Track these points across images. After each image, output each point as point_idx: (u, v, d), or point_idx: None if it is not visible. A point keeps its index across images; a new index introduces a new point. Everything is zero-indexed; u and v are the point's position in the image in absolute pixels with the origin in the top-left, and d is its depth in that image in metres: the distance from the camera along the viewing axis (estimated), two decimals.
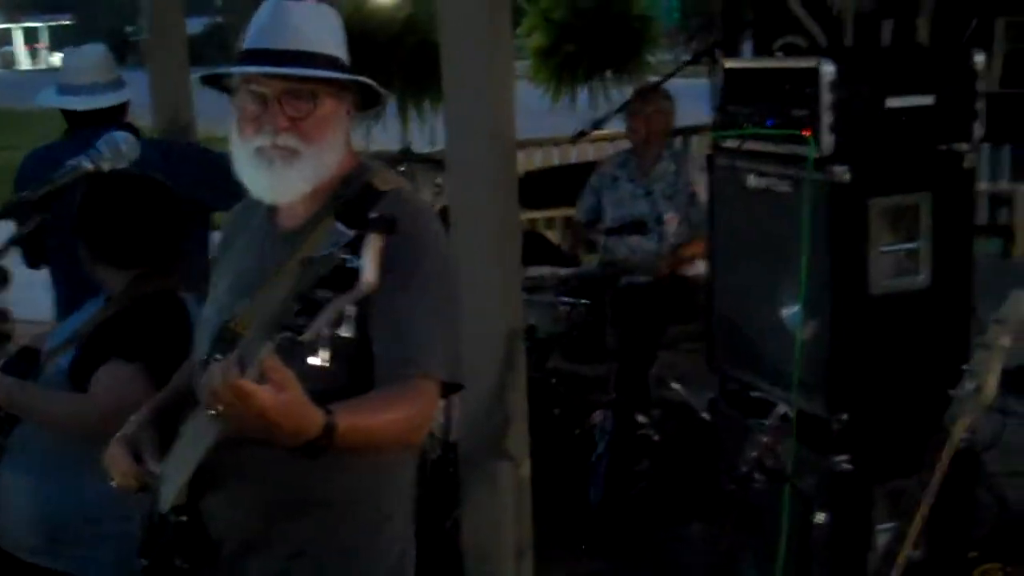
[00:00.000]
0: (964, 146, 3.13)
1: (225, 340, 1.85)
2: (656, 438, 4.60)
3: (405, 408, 1.84)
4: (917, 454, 2.31)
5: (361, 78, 2.01)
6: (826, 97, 2.95)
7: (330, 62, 1.96)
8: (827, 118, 2.96)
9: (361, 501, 1.99)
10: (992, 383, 2.15)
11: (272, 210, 2.07)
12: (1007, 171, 8.34)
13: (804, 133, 3.01)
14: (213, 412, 1.61)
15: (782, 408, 2.68)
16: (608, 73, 7.73)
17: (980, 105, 3.10)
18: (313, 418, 1.66)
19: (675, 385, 5.18)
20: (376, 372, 1.88)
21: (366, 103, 2.09)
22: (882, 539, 3.20)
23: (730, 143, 3.37)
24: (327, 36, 1.99)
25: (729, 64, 3.43)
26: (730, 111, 3.37)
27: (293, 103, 1.93)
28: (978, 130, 3.12)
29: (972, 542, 4.02)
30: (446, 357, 1.92)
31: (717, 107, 3.45)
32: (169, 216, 2.71)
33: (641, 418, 4.60)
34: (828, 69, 2.95)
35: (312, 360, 1.57)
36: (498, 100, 3.38)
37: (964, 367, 2.20)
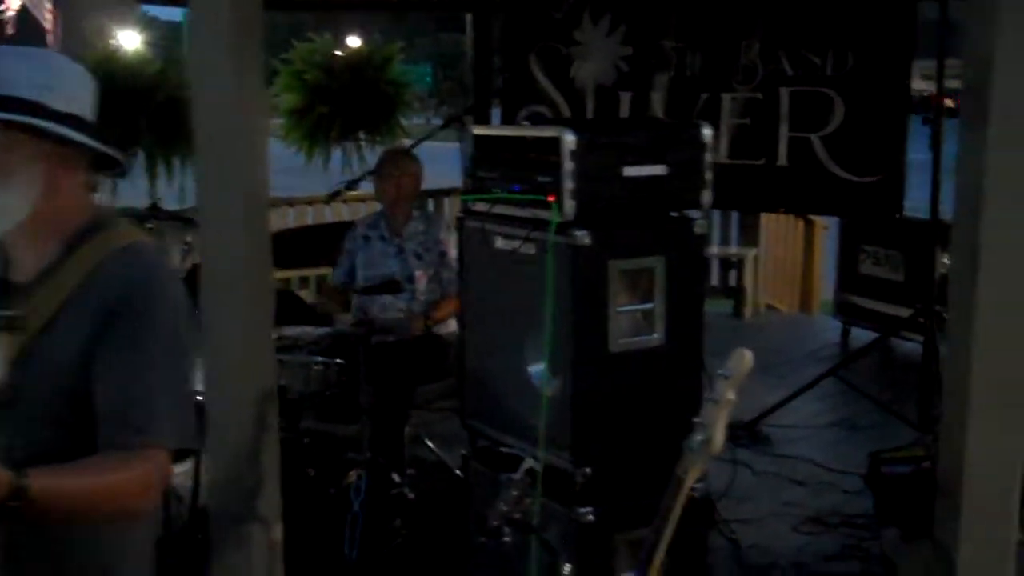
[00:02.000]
0: (694, 213, 3.35)
1: None
2: (411, 496, 4.64)
3: (124, 473, 1.80)
4: (656, 504, 2.44)
5: (39, 123, 1.88)
6: (568, 165, 3.11)
7: (24, 107, 1.87)
8: (568, 185, 3.11)
9: (84, 564, 1.92)
10: (720, 435, 2.30)
11: (6, 262, 2.00)
12: (736, 237, 8.90)
13: (548, 199, 3.15)
14: None
15: (529, 462, 2.78)
16: (361, 134, 7.78)
17: (708, 175, 3.34)
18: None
19: (429, 443, 5.25)
20: (100, 438, 1.84)
21: (106, 162, 2.04)
22: None
23: (480, 206, 3.49)
24: (28, 79, 1.89)
25: (478, 131, 3.56)
26: (479, 176, 3.49)
27: None
28: (707, 198, 3.35)
29: None
30: (174, 422, 1.88)
31: (467, 172, 3.57)
32: None
33: (396, 476, 4.63)
34: (569, 139, 3.12)
35: None
36: (251, 157, 3.35)
37: (694, 420, 2.34)
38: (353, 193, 5.65)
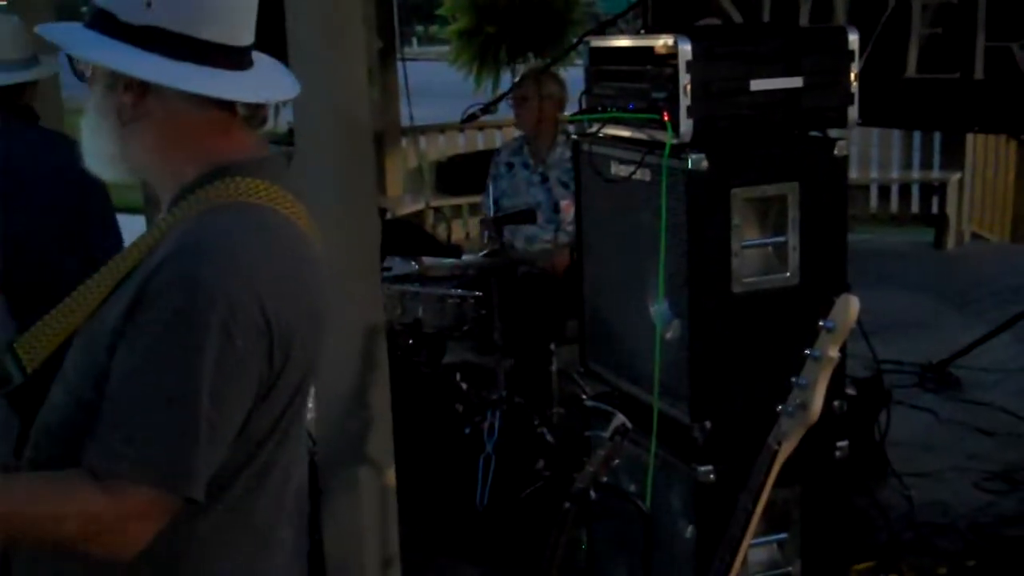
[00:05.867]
0: (836, 132, 2.90)
1: None
2: (549, 439, 4.37)
3: (74, 503, 1.45)
4: (789, 462, 2.06)
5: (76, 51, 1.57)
6: (684, 78, 2.71)
7: (95, 18, 1.57)
8: (684, 101, 2.71)
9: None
10: (819, 398, 1.92)
11: None
12: (938, 159, 8.18)
13: (663, 117, 2.77)
14: None
15: (619, 419, 2.44)
16: (531, 55, 7.47)
17: (854, 88, 2.87)
18: None
19: (580, 381, 4.97)
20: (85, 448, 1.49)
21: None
22: (754, 553, 3.00)
23: (594, 127, 3.13)
24: None
25: (595, 42, 3.18)
26: (596, 93, 3.13)
27: None
28: (852, 114, 2.88)
29: (867, 549, 3.84)
30: (161, 457, 1.44)
31: (584, 89, 3.21)
32: None
33: (536, 417, 4.38)
34: (685, 47, 2.71)
35: None
36: (348, 83, 3.14)
37: (793, 380, 1.97)
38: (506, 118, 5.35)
